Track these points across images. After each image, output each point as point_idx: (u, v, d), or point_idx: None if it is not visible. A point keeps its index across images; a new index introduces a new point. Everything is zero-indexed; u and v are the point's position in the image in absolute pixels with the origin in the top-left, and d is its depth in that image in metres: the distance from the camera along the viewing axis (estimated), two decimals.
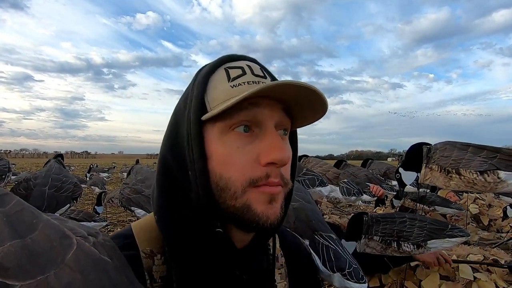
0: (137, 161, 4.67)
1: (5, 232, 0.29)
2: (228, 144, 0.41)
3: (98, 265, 0.30)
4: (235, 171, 0.40)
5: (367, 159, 4.03)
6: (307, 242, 0.84)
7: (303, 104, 0.42)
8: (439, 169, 1.57)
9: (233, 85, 0.42)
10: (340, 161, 3.32)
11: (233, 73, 0.43)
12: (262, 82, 0.42)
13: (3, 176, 2.03)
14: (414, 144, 1.72)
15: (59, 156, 2.65)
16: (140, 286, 0.36)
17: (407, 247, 1.63)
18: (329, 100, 0.43)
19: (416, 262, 1.94)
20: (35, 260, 0.28)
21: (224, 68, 0.44)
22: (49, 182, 1.98)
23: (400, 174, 1.77)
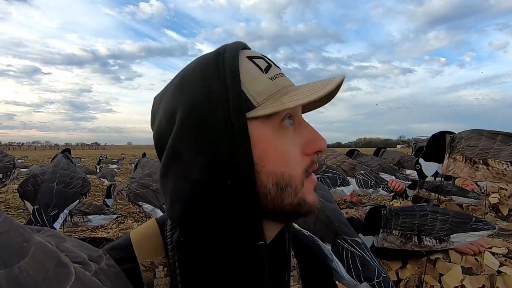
0: (144, 154, 4.67)
1: None
2: (284, 140, 0.39)
3: None
4: (294, 166, 0.39)
5: (379, 147, 3.95)
6: (328, 247, 0.76)
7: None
8: (464, 159, 1.47)
9: (271, 77, 0.40)
10: (352, 151, 3.24)
11: (260, 63, 0.40)
12: (281, 74, 0.42)
13: (8, 173, 2.01)
14: (436, 133, 1.62)
15: (66, 151, 2.63)
16: None
17: (429, 241, 1.56)
18: None
19: (436, 255, 1.87)
20: None
21: (247, 57, 0.40)
22: (57, 178, 1.94)
23: (420, 165, 1.67)
